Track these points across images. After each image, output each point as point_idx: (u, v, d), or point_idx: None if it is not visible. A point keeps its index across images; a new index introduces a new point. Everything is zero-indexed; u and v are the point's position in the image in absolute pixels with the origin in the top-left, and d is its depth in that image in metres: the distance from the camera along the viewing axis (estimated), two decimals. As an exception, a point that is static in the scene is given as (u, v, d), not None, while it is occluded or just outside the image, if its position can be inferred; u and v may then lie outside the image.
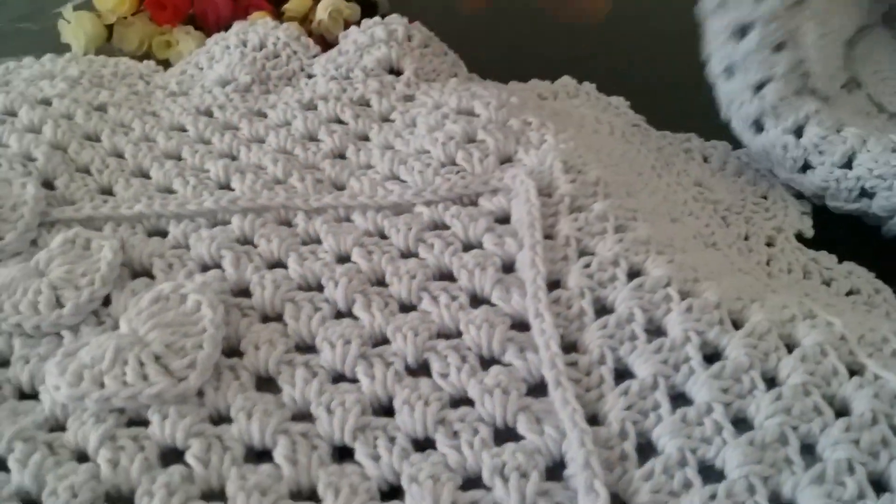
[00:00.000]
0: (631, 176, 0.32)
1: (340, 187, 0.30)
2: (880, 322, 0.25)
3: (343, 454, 0.21)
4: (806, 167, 0.32)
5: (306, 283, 0.26)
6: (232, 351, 0.24)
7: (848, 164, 0.31)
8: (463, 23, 0.47)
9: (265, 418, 0.21)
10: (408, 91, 0.34)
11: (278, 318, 0.24)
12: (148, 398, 0.21)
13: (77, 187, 0.29)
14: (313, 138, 0.33)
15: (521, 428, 0.21)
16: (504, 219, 0.27)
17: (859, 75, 0.35)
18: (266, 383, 0.23)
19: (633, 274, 0.24)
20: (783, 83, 0.32)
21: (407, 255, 0.27)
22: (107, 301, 0.25)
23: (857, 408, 0.21)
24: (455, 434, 0.21)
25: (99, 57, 0.38)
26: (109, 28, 0.42)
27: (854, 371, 0.22)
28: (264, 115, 0.34)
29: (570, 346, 0.23)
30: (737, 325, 0.23)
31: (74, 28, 0.42)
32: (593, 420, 0.21)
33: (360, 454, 0.21)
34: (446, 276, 0.26)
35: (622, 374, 0.22)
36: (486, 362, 0.23)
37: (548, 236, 0.26)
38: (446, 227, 0.27)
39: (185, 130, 0.33)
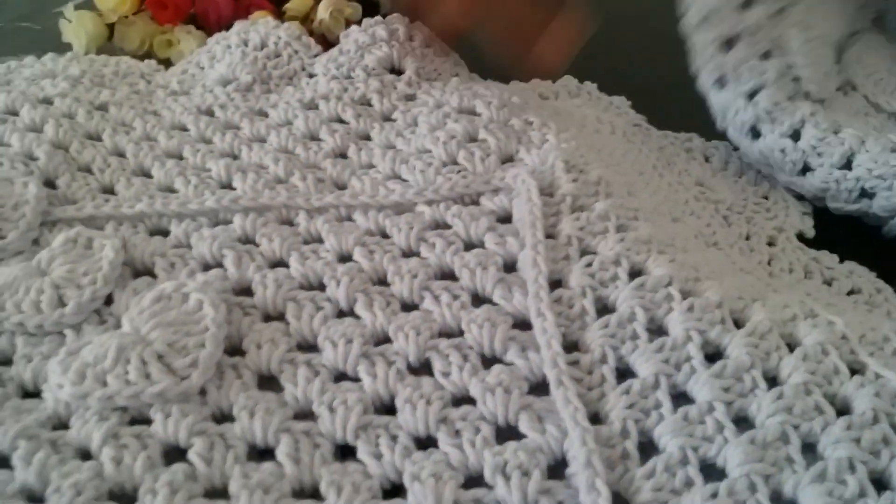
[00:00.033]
0: (632, 175, 0.32)
1: (342, 187, 0.30)
2: (881, 321, 0.25)
3: (345, 453, 0.21)
4: (805, 170, 0.32)
5: (308, 282, 0.26)
6: (234, 350, 0.24)
7: (847, 165, 0.31)
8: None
9: (267, 417, 0.21)
10: (409, 90, 0.34)
11: (280, 317, 0.24)
12: (151, 397, 0.21)
13: (79, 186, 0.29)
14: (314, 138, 0.33)
15: (523, 426, 0.21)
16: (506, 218, 0.28)
17: (853, 78, 0.35)
18: (268, 382, 0.23)
19: (635, 273, 0.24)
20: (775, 89, 0.32)
21: (408, 254, 0.27)
22: (109, 300, 0.25)
23: (858, 407, 0.21)
24: (457, 433, 0.21)
25: (100, 56, 0.38)
26: (111, 27, 0.42)
27: (855, 370, 0.22)
28: (265, 115, 0.34)
29: (571, 346, 0.23)
30: (738, 324, 0.23)
31: (76, 27, 0.42)
32: (595, 419, 0.21)
33: (363, 452, 0.21)
34: (448, 275, 0.26)
35: (624, 373, 0.22)
36: (488, 361, 0.23)
37: (549, 236, 0.26)
38: (448, 227, 0.27)
39: (186, 130, 0.33)
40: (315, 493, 0.20)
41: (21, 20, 0.46)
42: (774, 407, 0.20)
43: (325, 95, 0.34)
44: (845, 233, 0.32)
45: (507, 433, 0.21)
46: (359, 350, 0.23)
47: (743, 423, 0.21)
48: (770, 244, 0.31)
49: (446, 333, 0.24)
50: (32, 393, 0.22)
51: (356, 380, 0.23)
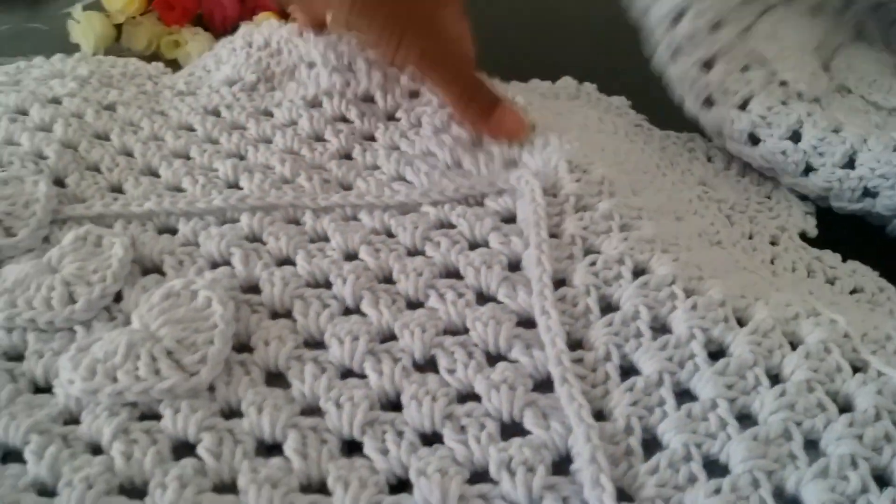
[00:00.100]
0: (636, 174, 0.32)
1: (347, 187, 0.30)
2: (883, 320, 0.26)
3: (352, 448, 0.21)
4: (808, 170, 0.33)
5: (315, 280, 0.26)
6: (242, 346, 0.24)
7: (850, 164, 0.31)
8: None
9: (275, 413, 0.22)
10: (413, 86, 0.34)
11: (287, 314, 0.25)
12: (160, 392, 0.21)
13: (88, 185, 0.29)
14: (319, 138, 0.33)
15: (528, 423, 0.21)
16: (510, 219, 0.28)
17: (846, 83, 0.35)
18: (276, 378, 0.23)
19: (639, 272, 0.25)
20: (765, 95, 0.33)
21: (414, 253, 0.27)
22: (118, 297, 0.25)
23: (860, 404, 0.21)
24: (462, 429, 0.21)
25: (108, 57, 0.38)
26: (118, 28, 0.43)
27: (857, 368, 0.22)
28: (271, 115, 0.34)
29: (575, 344, 0.23)
30: (741, 322, 0.23)
31: (84, 28, 0.42)
32: (599, 416, 0.21)
33: (369, 448, 0.21)
34: (453, 273, 0.26)
35: (627, 370, 0.23)
36: (493, 358, 0.23)
37: (553, 235, 0.26)
38: (452, 227, 0.28)
39: (193, 130, 0.33)
40: (322, 488, 0.20)
41: (30, 21, 0.46)
42: (777, 404, 0.21)
43: (327, 91, 0.33)
44: (848, 232, 0.32)
45: (511, 429, 0.21)
46: (365, 347, 0.23)
47: (746, 419, 0.21)
48: (773, 243, 0.32)
49: (451, 331, 0.24)
50: (44, 388, 0.23)
51: (362, 376, 0.23)
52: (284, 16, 0.43)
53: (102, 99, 0.34)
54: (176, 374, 0.22)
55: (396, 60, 0.31)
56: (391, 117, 0.33)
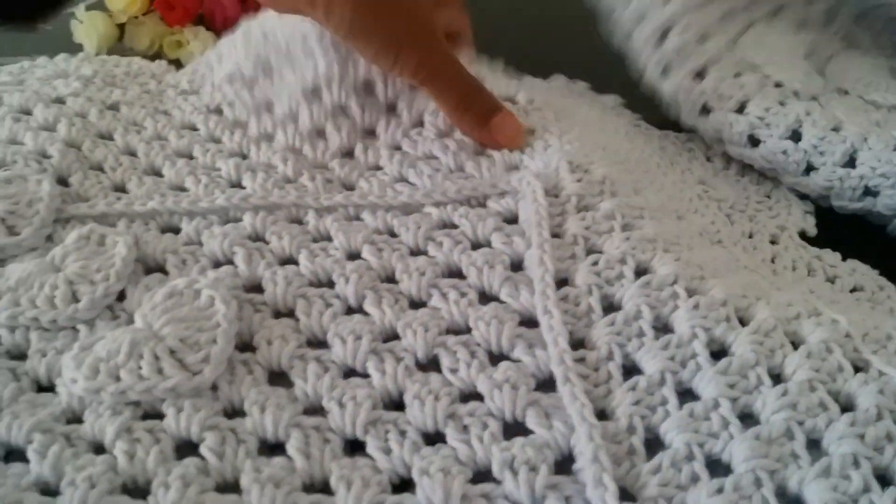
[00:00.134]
0: (637, 174, 0.32)
1: (350, 188, 0.30)
2: (884, 319, 0.26)
3: (355, 447, 0.21)
4: (809, 169, 0.33)
5: (317, 279, 0.26)
6: (245, 346, 0.24)
7: (851, 163, 0.31)
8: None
9: (278, 412, 0.22)
10: None
11: (290, 313, 0.25)
12: (163, 392, 0.21)
13: (91, 184, 0.30)
14: (320, 133, 0.32)
15: (530, 422, 0.21)
16: (512, 220, 0.28)
17: (842, 85, 0.36)
18: (279, 378, 0.23)
19: (641, 271, 0.25)
20: (761, 97, 0.33)
21: (416, 252, 0.27)
22: (121, 296, 0.25)
23: (862, 403, 0.21)
24: (465, 428, 0.21)
25: (111, 57, 0.38)
26: (121, 27, 0.43)
27: (859, 367, 0.22)
28: (272, 109, 0.34)
29: (578, 343, 0.23)
30: (743, 322, 0.23)
31: (87, 28, 0.42)
32: (601, 415, 0.21)
33: (372, 447, 0.21)
34: (455, 273, 0.26)
35: (630, 370, 0.23)
36: (496, 358, 0.23)
37: (555, 235, 0.26)
38: (455, 227, 0.28)
39: (196, 129, 0.33)
40: (325, 488, 0.20)
41: (32, 21, 0.46)
42: (779, 403, 0.21)
43: (327, 78, 0.32)
44: (849, 231, 0.32)
45: (514, 429, 0.21)
46: (368, 346, 0.23)
47: (748, 419, 0.21)
48: (773, 242, 0.32)
49: (454, 330, 0.24)
50: (47, 387, 0.23)
51: (365, 376, 0.23)
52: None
53: (106, 98, 0.34)
54: (179, 373, 0.22)
55: (393, 74, 0.32)
56: (392, 108, 0.33)
